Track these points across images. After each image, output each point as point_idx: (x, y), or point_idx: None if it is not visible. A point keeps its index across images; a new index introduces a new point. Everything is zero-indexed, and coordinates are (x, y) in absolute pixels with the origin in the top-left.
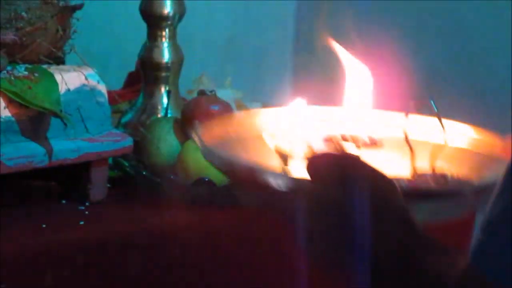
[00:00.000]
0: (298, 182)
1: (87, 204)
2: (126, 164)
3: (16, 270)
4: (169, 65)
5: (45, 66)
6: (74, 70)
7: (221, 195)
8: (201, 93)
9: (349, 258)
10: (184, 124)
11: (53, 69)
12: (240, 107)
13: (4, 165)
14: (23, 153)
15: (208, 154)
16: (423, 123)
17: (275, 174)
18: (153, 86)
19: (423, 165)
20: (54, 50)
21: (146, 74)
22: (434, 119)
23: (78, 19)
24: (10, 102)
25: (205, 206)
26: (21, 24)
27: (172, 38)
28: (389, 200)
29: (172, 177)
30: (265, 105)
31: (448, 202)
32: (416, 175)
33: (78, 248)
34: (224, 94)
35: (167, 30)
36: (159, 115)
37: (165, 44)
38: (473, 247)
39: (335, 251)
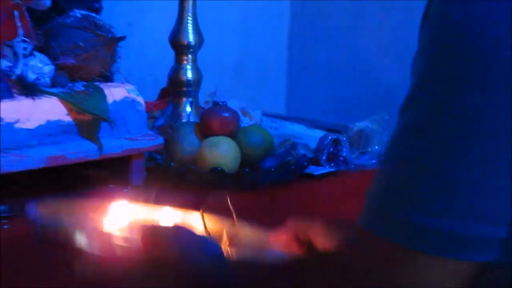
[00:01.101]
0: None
1: (129, 187)
2: (158, 157)
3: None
4: (191, 82)
5: (97, 83)
6: (119, 86)
7: (230, 181)
8: (215, 103)
9: None
10: (202, 126)
11: (103, 85)
12: (245, 114)
13: (67, 158)
14: (81, 149)
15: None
16: None
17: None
18: (179, 98)
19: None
20: (103, 71)
21: (174, 89)
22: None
23: (121, 47)
24: (70, 110)
25: (217, 189)
26: (79, 52)
27: (193, 61)
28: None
29: (192, 167)
30: (264, 112)
31: None
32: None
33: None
34: (233, 104)
35: (189, 55)
36: (183, 120)
37: (188, 66)
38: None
39: None
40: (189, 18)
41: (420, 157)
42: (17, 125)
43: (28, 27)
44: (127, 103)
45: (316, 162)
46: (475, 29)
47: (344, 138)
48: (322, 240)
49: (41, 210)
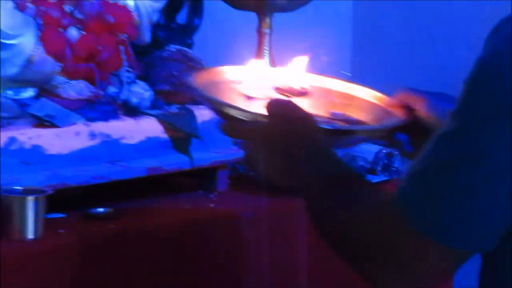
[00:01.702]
0: (255, 115)
1: (215, 193)
2: (240, 168)
3: (168, 239)
4: None
5: (188, 106)
6: (207, 109)
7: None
8: None
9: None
10: None
11: (193, 108)
12: None
13: (163, 168)
14: (175, 161)
15: (198, 95)
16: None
17: (241, 109)
18: None
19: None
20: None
21: None
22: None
23: None
24: (166, 128)
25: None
26: (173, 80)
27: None
28: (309, 134)
29: None
30: None
31: (352, 137)
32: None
33: (211, 220)
34: None
35: None
36: None
37: None
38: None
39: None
40: (266, 51)
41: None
42: (122, 141)
43: (131, 59)
44: (213, 122)
45: (373, 172)
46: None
47: (396, 152)
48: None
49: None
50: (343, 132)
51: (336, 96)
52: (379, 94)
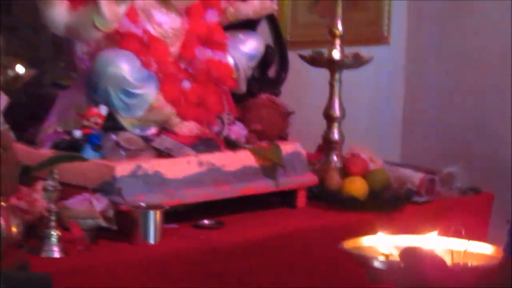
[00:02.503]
0: (392, 263)
1: (295, 208)
2: (314, 190)
3: (259, 244)
4: (337, 141)
5: (275, 142)
6: (290, 143)
7: (361, 205)
8: (353, 155)
9: None
10: (345, 170)
11: (279, 143)
12: (372, 161)
13: (255, 189)
14: (264, 184)
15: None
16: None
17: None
18: (329, 152)
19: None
20: (280, 133)
21: (325, 146)
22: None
23: (292, 118)
24: (258, 159)
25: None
26: (262, 121)
27: (339, 127)
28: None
29: (340, 195)
30: (384, 160)
31: None
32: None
33: (294, 230)
34: (364, 154)
35: (336, 123)
36: (331, 166)
37: (335, 130)
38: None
39: None
40: (336, 97)
41: None
42: (223, 168)
43: (231, 105)
44: (295, 154)
45: (418, 193)
46: None
47: (437, 178)
48: None
49: None
50: None
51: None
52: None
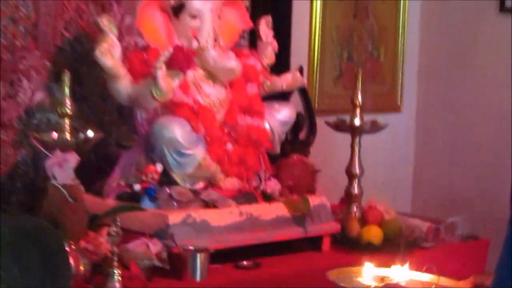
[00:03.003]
0: None
1: (321, 252)
2: (337, 235)
3: (291, 281)
4: (357, 195)
5: (304, 195)
6: (317, 196)
7: (380, 249)
8: (370, 207)
9: None
10: (363, 220)
11: (308, 196)
12: (387, 212)
13: (286, 235)
14: (295, 231)
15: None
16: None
17: None
18: (350, 204)
19: None
20: (309, 188)
21: (347, 199)
22: None
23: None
24: (289, 209)
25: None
26: (293, 178)
27: (359, 183)
28: None
29: (359, 241)
30: (397, 211)
31: None
32: None
33: (320, 270)
34: (380, 206)
35: (356, 179)
36: (351, 216)
37: (355, 185)
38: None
39: None
40: (356, 157)
41: None
42: (260, 217)
43: (267, 163)
44: (321, 206)
45: (426, 240)
46: None
47: (442, 227)
48: None
49: None
50: None
51: None
52: None
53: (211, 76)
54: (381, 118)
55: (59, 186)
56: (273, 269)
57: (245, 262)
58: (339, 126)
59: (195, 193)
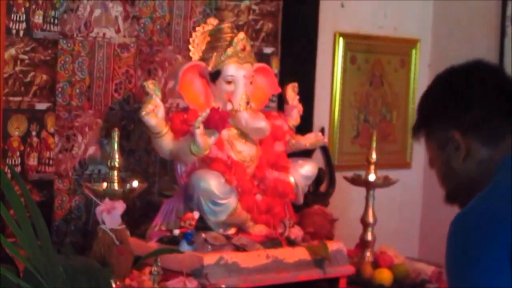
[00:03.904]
0: None
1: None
2: (353, 277)
3: None
4: (370, 243)
5: (323, 241)
6: (335, 242)
7: None
8: (382, 252)
9: None
10: (376, 263)
11: (327, 242)
12: (396, 257)
13: (307, 276)
14: (313, 272)
15: None
16: None
17: None
18: (364, 249)
19: None
20: (328, 235)
21: (361, 245)
22: None
23: (336, 223)
24: (310, 253)
25: None
26: (314, 226)
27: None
28: None
29: (372, 282)
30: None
31: None
32: None
33: None
34: (390, 251)
35: (370, 228)
36: (365, 260)
37: (369, 232)
38: None
39: None
40: (370, 208)
41: None
42: (284, 260)
43: (292, 213)
44: (338, 251)
45: (430, 282)
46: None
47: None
48: None
49: None
50: None
51: None
52: None
53: (243, 135)
54: (392, 174)
55: (108, 230)
56: None
57: None
58: (355, 181)
59: (227, 238)
